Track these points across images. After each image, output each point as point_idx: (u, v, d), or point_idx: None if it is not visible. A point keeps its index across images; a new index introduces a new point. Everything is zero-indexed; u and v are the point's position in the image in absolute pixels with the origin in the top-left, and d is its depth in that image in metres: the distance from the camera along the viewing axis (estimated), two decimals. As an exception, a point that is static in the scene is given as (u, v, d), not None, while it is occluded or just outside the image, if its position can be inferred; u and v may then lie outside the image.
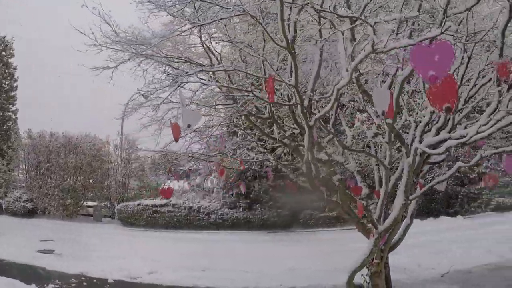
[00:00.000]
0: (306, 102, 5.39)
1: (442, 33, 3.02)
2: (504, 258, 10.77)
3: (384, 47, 3.24)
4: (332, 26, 4.88)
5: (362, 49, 3.66)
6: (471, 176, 17.58)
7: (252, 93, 5.12)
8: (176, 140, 4.61)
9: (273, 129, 8.68)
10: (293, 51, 4.42)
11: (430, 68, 2.90)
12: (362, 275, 6.85)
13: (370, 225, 7.74)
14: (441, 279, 9.64)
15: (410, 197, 6.05)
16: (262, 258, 12.16)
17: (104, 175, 21.14)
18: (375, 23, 3.35)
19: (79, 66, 6.43)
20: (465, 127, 6.88)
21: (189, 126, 4.40)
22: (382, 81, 6.37)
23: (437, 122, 6.90)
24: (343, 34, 4.91)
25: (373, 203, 7.84)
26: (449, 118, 6.49)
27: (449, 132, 6.40)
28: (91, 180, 20.59)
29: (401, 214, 6.09)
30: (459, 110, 6.52)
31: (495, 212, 17.51)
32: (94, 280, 9.44)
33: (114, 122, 7.62)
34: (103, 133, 21.47)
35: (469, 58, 5.83)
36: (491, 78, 5.93)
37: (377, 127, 8.26)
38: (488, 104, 7.28)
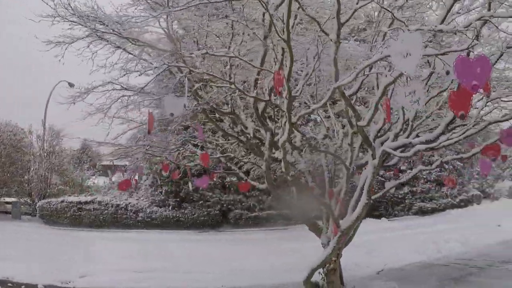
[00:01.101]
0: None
1: (467, 49, 3.13)
2: (431, 258, 11.37)
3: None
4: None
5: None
6: (395, 181, 18.45)
7: (234, 85, 4.80)
8: (149, 132, 4.21)
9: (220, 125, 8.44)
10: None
11: (472, 79, 3.09)
12: (319, 272, 6.80)
13: (321, 224, 7.76)
14: (378, 276, 9.88)
15: (373, 197, 6.12)
16: (202, 258, 11.70)
17: (25, 168, 19.16)
18: (417, 29, 3.28)
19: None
20: (417, 135, 7.13)
21: (172, 115, 4.04)
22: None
23: (389, 129, 7.11)
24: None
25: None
26: (406, 124, 6.69)
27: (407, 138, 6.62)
28: (9, 174, 18.54)
29: (363, 213, 6.13)
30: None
31: (416, 216, 18.50)
32: (23, 286, 8.41)
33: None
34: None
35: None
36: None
37: (326, 129, 8.35)
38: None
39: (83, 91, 6.24)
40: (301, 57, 6.17)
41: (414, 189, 18.42)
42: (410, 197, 18.87)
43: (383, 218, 18.15)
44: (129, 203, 17.39)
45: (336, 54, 4.72)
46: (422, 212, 18.57)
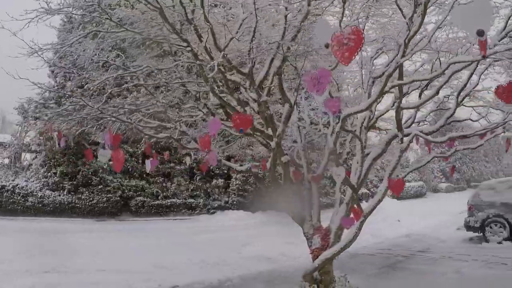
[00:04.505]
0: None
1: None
2: (353, 248, 11.13)
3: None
4: None
5: None
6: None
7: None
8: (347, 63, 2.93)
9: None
10: None
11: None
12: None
13: (304, 214, 6.77)
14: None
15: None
16: (115, 252, 9.64)
17: None
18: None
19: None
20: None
21: (327, 46, 2.79)
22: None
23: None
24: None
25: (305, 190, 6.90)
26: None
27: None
28: None
29: (384, 196, 5.44)
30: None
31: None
32: None
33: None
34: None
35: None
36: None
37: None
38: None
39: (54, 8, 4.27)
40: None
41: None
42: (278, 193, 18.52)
43: (283, 211, 17.73)
44: (17, 185, 13.87)
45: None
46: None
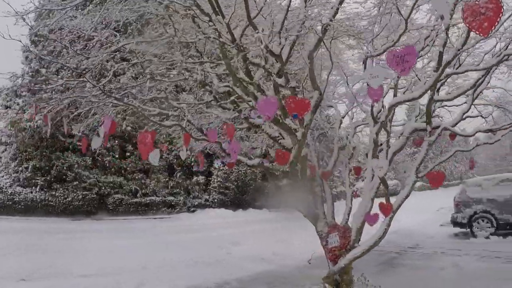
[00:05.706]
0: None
1: None
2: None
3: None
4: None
5: None
6: (277, 174, 17.88)
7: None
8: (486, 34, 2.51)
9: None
10: None
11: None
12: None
13: (318, 211, 6.33)
14: (312, 265, 8.81)
15: (419, 175, 5.14)
16: (101, 254, 8.88)
17: None
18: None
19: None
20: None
21: (442, 17, 2.39)
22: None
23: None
24: None
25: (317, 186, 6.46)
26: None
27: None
28: None
29: (411, 192, 5.09)
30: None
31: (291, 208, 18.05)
32: None
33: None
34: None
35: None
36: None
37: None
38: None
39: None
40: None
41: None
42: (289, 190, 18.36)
43: (264, 209, 17.39)
44: (-15, 180, 12.73)
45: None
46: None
